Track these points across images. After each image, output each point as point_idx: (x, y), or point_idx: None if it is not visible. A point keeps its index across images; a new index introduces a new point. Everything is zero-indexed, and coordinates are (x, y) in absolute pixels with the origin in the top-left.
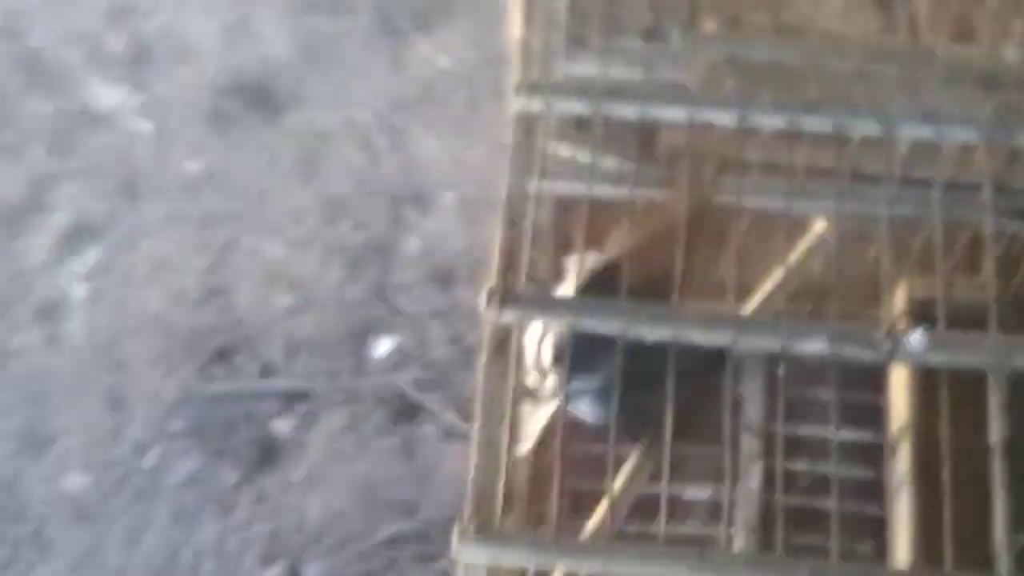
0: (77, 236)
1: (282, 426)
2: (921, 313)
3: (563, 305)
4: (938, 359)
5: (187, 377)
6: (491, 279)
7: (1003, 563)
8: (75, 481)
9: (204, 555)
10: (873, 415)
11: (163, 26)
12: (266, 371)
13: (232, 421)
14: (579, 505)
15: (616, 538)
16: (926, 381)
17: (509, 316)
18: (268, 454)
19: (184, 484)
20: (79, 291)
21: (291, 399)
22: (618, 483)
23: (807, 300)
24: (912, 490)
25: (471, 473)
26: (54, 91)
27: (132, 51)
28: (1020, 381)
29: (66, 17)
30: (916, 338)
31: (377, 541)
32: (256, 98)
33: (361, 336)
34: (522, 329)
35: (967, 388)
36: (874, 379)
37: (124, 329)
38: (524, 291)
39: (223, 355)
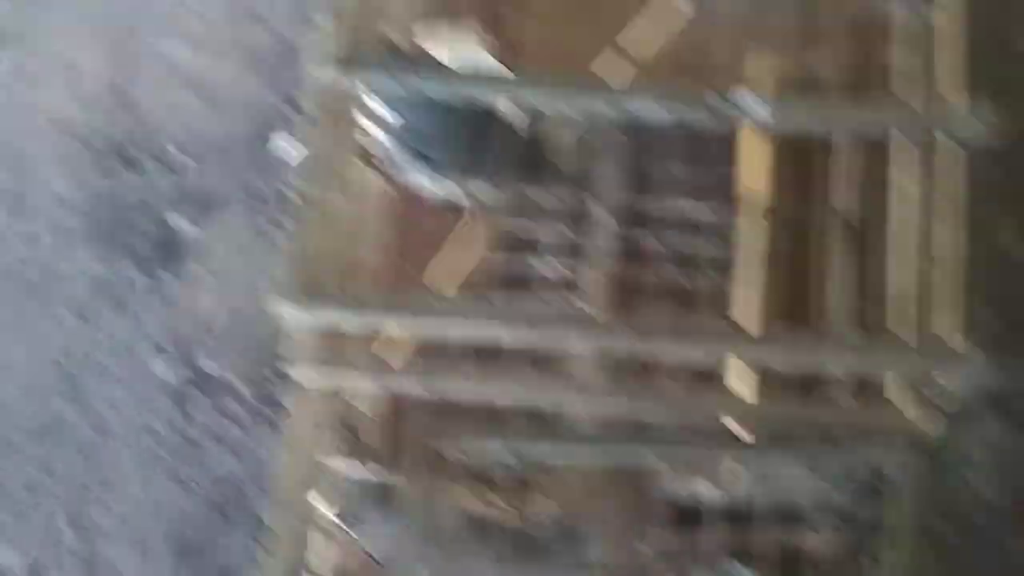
0: None
1: (182, 223)
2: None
3: (400, 68)
4: (777, 123)
5: (88, 175)
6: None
7: (836, 320)
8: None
9: (105, 350)
10: (727, 190)
11: None
12: (166, 169)
13: (132, 218)
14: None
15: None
16: (777, 156)
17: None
18: (168, 252)
19: (84, 281)
20: None
21: (192, 197)
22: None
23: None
24: (762, 258)
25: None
26: None
27: None
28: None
29: None
30: (752, 99)
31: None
32: None
33: (264, 137)
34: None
35: (816, 160)
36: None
37: (27, 130)
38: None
39: (124, 155)
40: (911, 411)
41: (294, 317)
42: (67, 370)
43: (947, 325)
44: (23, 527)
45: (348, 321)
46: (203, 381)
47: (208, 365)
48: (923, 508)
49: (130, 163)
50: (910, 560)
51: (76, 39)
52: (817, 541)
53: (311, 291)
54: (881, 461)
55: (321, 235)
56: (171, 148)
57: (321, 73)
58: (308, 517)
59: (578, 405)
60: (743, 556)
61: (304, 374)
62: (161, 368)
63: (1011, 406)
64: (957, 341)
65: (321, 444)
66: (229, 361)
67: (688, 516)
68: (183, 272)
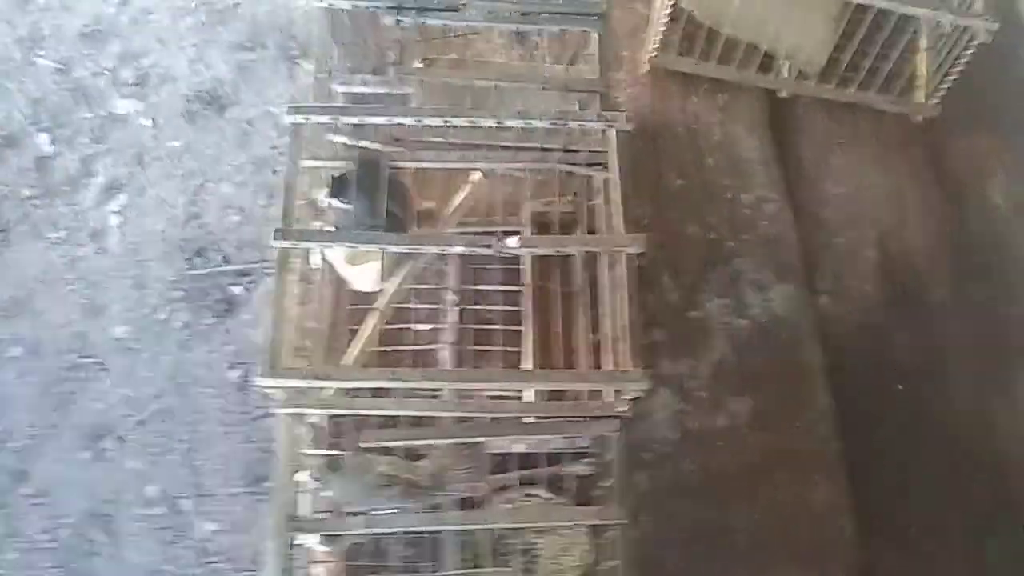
0: (109, 191)
1: (237, 290)
2: (535, 221)
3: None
4: (524, 250)
5: (180, 267)
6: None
7: (582, 354)
8: (120, 330)
9: (198, 365)
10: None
11: None
12: (225, 260)
13: (207, 290)
14: None
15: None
16: (541, 263)
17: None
18: (230, 307)
19: (182, 327)
20: (113, 220)
21: (241, 275)
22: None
23: (475, 216)
24: (532, 319)
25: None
26: None
27: None
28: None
29: None
30: (512, 240)
31: None
32: None
33: None
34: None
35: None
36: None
37: (143, 242)
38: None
39: (200, 252)
40: (619, 405)
41: (266, 383)
42: (178, 381)
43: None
44: (158, 470)
45: (301, 383)
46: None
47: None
48: (624, 453)
49: (203, 257)
50: (624, 480)
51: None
52: (575, 470)
53: (275, 368)
54: (603, 431)
55: (280, 325)
56: (226, 247)
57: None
58: (295, 482)
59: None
60: (536, 483)
61: (280, 410)
62: (233, 375)
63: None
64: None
65: (300, 440)
66: None
67: (505, 463)
68: (240, 318)
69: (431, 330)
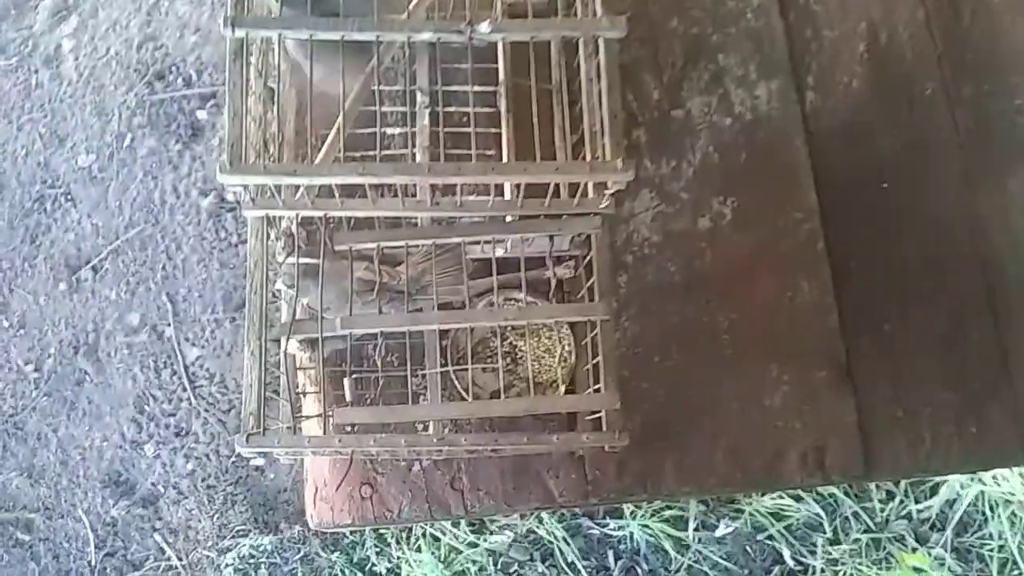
0: (58, 14)
1: (202, 114)
2: (509, 14)
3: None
4: (497, 36)
5: (141, 91)
6: None
7: (560, 150)
8: (86, 159)
9: (167, 193)
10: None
11: None
12: (187, 83)
13: (171, 115)
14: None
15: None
16: (516, 58)
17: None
18: (196, 132)
19: (149, 154)
20: (66, 45)
21: (205, 99)
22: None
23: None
24: (509, 120)
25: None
26: None
27: None
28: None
29: None
30: (484, 25)
31: None
32: None
33: None
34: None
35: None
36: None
37: (99, 66)
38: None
39: (160, 75)
40: (601, 201)
41: (229, 180)
42: (148, 209)
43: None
44: (138, 299)
45: (266, 179)
46: (228, 208)
47: (229, 197)
48: (607, 252)
49: (163, 80)
50: (607, 279)
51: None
52: (557, 272)
53: (235, 164)
54: (585, 228)
55: (239, 122)
56: (187, 69)
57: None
58: (268, 292)
59: (417, 212)
60: (517, 287)
61: (248, 210)
62: (205, 202)
63: (664, 185)
64: (619, 162)
65: (271, 248)
66: None
67: (485, 269)
68: (207, 144)
69: (402, 135)
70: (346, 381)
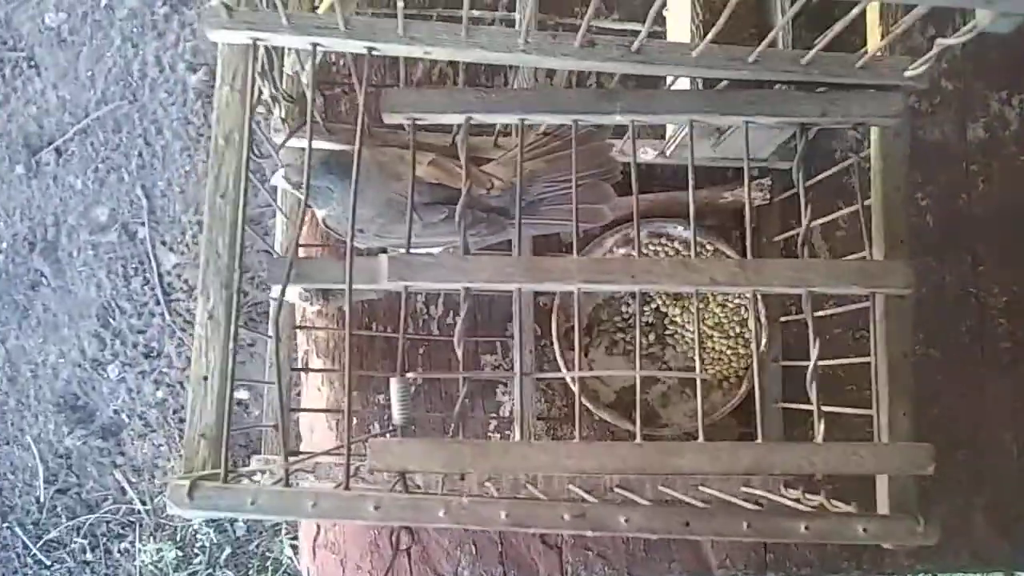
0: None
1: None
2: None
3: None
4: None
5: None
6: None
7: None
8: (54, 18)
9: (149, 65)
10: None
11: None
12: None
13: None
14: None
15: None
16: None
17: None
18: None
19: (129, 16)
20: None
21: None
22: None
23: None
24: None
25: None
26: None
27: None
28: None
29: None
30: None
31: None
32: None
33: None
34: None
35: None
36: None
37: None
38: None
39: None
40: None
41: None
42: (126, 82)
43: None
44: (108, 191)
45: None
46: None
47: None
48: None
49: None
50: (901, 217)
51: None
52: (753, 195)
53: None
54: (877, 114)
55: None
56: None
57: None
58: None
59: (504, 59)
60: (683, 215)
61: (215, 28)
62: (193, 78)
63: None
64: None
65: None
66: None
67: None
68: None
69: None
70: (394, 382)
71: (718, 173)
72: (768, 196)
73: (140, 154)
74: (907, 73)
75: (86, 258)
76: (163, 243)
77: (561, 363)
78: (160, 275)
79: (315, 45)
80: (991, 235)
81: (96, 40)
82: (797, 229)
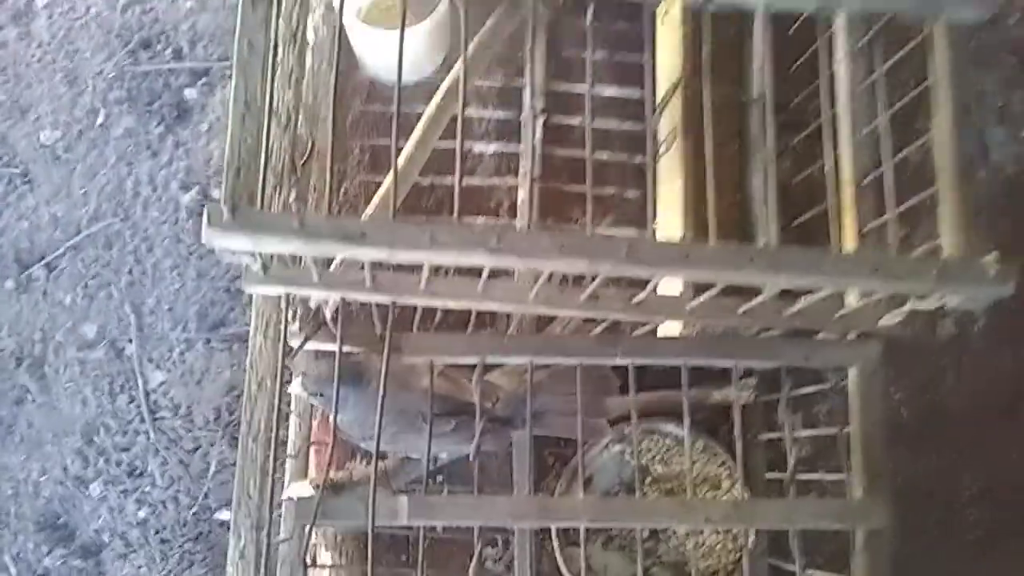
0: None
1: (191, 93)
2: None
3: None
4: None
5: (122, 61)
6: None
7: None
8: (49, 135)
9: (142, 184)
10: (641, 75)
11: None
12: (177, 55)
13: (155, 91)
14: (378, 162)
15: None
16: (692, 40)
17: None
18: (182, 113)
19: (124, 135)
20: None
21: (196, 75)
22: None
23: None
24: (682, 143)
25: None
26: None
27: None
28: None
29: None
30: None
31: None
32: None
33: None
34: None
35: (729, 47)
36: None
37: (76, 27)
38: None
39: (146, 44)
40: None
41: (220, 241)
42: (118, 201)
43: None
44: (97, 308)
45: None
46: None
47: (216, 193)
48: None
49: (150, 50)
50: (877, 453)
51: None
52: (733, 396)
53: (239, 211)
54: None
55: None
56: (178, 39)
57: None
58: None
59: (518, 308)
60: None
61: (254, 283)
62: (186, 198)
63: None
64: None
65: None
66: None
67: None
68: (194, 128)
69: (498, 155)
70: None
71: (704, 370)
72: (754, 395)
73: (130, 271)
74: (880, 323)
75: (72, 375)
76: (150, 360)
77: (560, 560)
78: (146, 392)
79: (343, 298)
80: (963, 426)
81: (90, 158)
82: (780, 434)
